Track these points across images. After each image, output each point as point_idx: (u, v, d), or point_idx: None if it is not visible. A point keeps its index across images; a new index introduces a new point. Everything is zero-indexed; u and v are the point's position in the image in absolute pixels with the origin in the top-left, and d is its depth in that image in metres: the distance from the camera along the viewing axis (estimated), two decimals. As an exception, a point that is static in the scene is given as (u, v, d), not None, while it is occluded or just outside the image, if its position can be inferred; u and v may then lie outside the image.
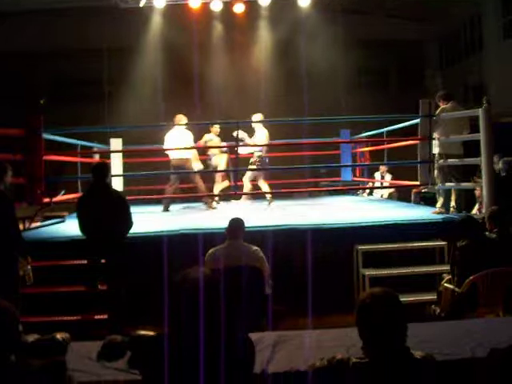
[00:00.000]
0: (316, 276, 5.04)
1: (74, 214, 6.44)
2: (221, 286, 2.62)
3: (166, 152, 9.71)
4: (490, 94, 14.14)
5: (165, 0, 13.24)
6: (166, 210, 9.72)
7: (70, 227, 7.32)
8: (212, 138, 10.41)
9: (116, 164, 10.14)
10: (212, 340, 2.40)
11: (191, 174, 9.63)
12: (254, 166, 9.91)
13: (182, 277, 2.55)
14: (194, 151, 9.74)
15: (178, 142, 9.46)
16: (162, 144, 9.99)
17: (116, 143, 10.59)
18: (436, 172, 8.07)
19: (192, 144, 9.63)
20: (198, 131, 10.34)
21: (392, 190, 12.24)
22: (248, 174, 10.13)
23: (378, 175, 12.49)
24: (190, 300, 2.47)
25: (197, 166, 9.79)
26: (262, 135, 9.84)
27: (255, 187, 10.28)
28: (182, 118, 9.67)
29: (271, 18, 14.67)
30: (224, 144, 10.34)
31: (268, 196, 10.18)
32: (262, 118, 9.99)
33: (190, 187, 10.15)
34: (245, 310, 4.33)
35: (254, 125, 9.92)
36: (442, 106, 8.06)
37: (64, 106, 15.91)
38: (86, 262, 5.98)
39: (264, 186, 10.06)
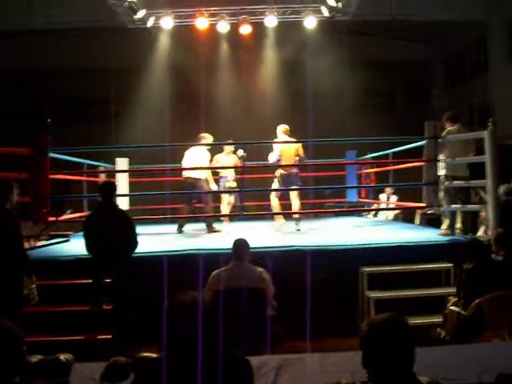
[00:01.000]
0: (320, 298, 5.02)
1: (79, 233, 6.45)
2: (215, 309, 2.62)
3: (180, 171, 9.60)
4: (495, 115, 14.15)
5: (172, 21, 13.35)
6: (181, 229, 9.54)
7: (74, 246, 7.33)
8: (222, 158, 10.25)
9: (122, 183, 10.17)
10: (209, 362, 2.39)
11: (202, 194, 9.44)
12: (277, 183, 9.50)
13: (171, 301, 2.56)
14: (208, 172, 9.55)
15: (193, 160, 9.38)
16: (168, 164, 10.01)
17: (122, 163, 10.62)
18: (442, 194, 8.05)
19: (207, 164, 9.46)
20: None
21: (397, 211, 12.21)
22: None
23: (383, 197, 12.47)
24: (179, 323, 2.47)
25: (212, 186, 9.64)
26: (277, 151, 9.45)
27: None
28: (204, 137, 9.56)
29: (277, 39, 14.76)
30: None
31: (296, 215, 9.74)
32: (284, 130, 9.63)
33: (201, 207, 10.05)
34: (245, 331, 4.31)
35: (279, 138, 9.55)
36: (448, 127, 8.06)
37: (71, 125, 16.05)
38: (90, 281, 5.97)
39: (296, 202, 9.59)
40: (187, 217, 9.61)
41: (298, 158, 9.45)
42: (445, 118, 8.16)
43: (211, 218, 9.58)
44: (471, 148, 7.99)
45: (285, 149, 9.37)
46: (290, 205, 9.57)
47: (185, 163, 9.53)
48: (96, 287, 5.90)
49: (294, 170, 9.44)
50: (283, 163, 9.27)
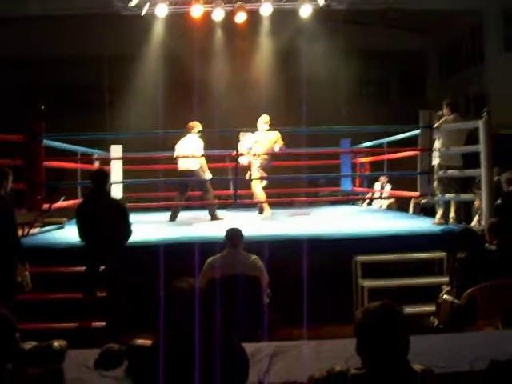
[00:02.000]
0: (314, 286, 5.02)
1: (73, 221, 6.43)
2: (211, 295, 2.63)
3: (174, 160, 9.50)
4: (490, 105, 14.17)
5: (167, 8, 13.26)
6: (174, 218, 9.51)
7: (68, 234, 7.32)
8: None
9: (116, 171, 10.14)
10: (206, 348, 2.39)
11: (202, 183, 9.38)
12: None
13: (168, 288, 2.56)
14: (203, 161, 9.43)
15: (186, 150, 9.30)
16: (162, 151, 9.98)
17: (116, 150, 10.58)
18: (436, 183, 8.07)
19: (201, 153, 9.33)
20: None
21: (391, 200, 12.23)
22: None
23: (377, 186, 12.48)
24: (177, 310, 2.48)
25: (206, 175, 9.50)
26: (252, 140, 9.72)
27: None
28: (196, 125, 9.47)
29: (272, 28, 14.68)
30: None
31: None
32: (268, 120, 9.76)
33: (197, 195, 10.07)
34: (241, 319, 4.32)
35: (259, 129, 9.72)
36: (446, 114, 8.03)
37: (65, 112, 15.96)
38: (84, 268, 5.96)
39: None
40: (179, 205, 9.58)
41: (277, 148, 9.64)
42: (445, 104, 8.11)
43: (214, 206, 9.56)
44: (464, 138, 8.00)
45: (261, 139, 9.58)
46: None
47: (178, 154, 9.42)
48: (89, 275, 5.89)
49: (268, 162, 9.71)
50: (260, 152, 9.46)
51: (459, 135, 7.93)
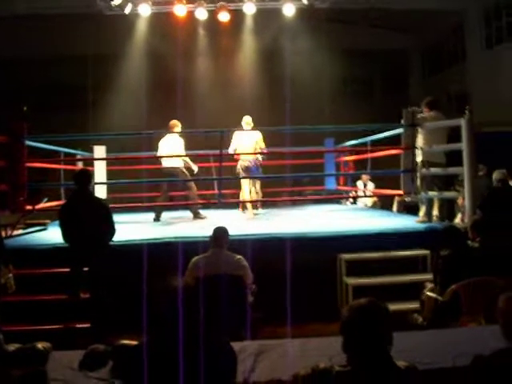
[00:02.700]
0: (298, 285, 5.03)
1: (57, 222, 6.39)
2: (195, 295, 2.63)
3: (158, 159, 9.59)
4: (472, 103, 14.27)
5: (150, 8, 13.23)
6: (158, 218, 9.54)
7: (52, 235, 7.27)
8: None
9: (99, 171, 10.10)
10: (191, 348, 2.39)
11: (180, 174, 9.41)
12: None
13: (153, 287, 2.56)
14: (186, 158, 9.51)
15: (169, 149, 9.38)
16: (146, 151, 9.96)
17: (100, 151, 10.53)
18: (419, 181, 8.11)
19: (183, 151, 9.44)
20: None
21: (375, 198, 12.29)
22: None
23: (360, 184, 12.54)
24: (161, 309, 2.48)
25: (194, 168, 9.62)
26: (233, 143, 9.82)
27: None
28: (176, 124, 9.57)
29: (256, 27, 14.69)
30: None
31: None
32: (249, 121, 9.93)
33: (181, 195, 10.12)
34: (225, 318, 4.32)
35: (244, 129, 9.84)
36: (425, 113, 8.11)
37: (48, 113, 15.85)
38: (68, 270, 5.93)
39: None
40: (163, 205, 9.63)
41: (257, 150, 9.76)
42: (424, 103, 8.22)
43: (196, 205, 9.61)
44: (446, 135, 8.06)
45: (241, 141, 9.67)
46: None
47: (160, 153, 9.51)
48: (73, 276, 5.87)
49: (251, 162, 9.78)
50: (241, 155, 9.63)
51: (441, 132, 7.99)
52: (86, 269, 5.85)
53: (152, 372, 2.38)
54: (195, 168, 9.65)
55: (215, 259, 5.29)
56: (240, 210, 10.55)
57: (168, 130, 9.57)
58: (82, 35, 14.94)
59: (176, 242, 6.63)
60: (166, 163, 9.38)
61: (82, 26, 14.49)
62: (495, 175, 7.28)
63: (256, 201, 10.35)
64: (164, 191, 9.62)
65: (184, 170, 9.44)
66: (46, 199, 9.07)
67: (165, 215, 9.79)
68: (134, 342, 2.76)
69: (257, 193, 10.48)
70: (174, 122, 9.62)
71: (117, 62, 15.22)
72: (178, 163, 9.34)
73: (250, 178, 9.86)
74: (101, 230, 5.83)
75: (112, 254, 5.93)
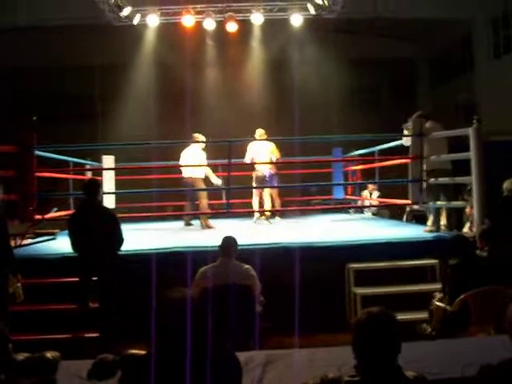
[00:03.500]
0: (307, 295, 5.03)
1: (66, 232, 6.42)
2: (203, 305, 2.63)
3: (180, 169, 9.96)
4: (480, 112, 14.26)
5: (158, 18, 13.32)
6: (188, 223, 10.19)
7: (61, 244, 7.29)
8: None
9: (108, 181, 10.14)
10: (198, 358, 2.39)
11: (196, 192, 9.69)
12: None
13: (160, 297, 2.56)
14: (208, 169, 9.84)
15: (190, 160, 9.69)
16: (154, 161, 10.05)
17: (108, 160, 10.58)
18: (425, 189, 8.09)
19: (204, 162, 9.72)
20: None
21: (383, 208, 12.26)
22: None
23: (366, 193, 12.52)
24: (168, 320, 2.48)
25: (215, 180, 9.92)
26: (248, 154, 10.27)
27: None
28: (197, 137, 9.89)
29: (264, 37, 14.75)
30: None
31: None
32: (261, 133, 10.26)
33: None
34: (233, 328, 4.32)
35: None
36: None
37: (57, 123, 15.93)
38: (77, 279, 5.95)
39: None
40: (191, 214, 10.10)
41: (272, 159, 10.19)
42: (417, 116, 8.22)
43: (205, 215, 9.88)
44: (446, 144, 8.07)
45: (256, 152, 10.10)
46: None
47: (182, 163, 9.86)
48: (82, 285, 5.88)
49: (267, 172, 10.25)
50: (256, 165, 10.10)
51: (441, 142, 8.02)
52: (94, 278, 5.87)
53: (160, 382, 2.38)
54: (216, 181, 9.93)
55: (223, 269, 5.29)
56: (262, 217, 10.64)
57: (189, 141, 9.94)
58: (91, 45, 15.05)
59: (185, 251, 6.63)
60: (187, 173, 9.69)
61: (91, 36, 14.59)
62: (506, 184, 7.25)
63: (265, 210, 10.41)
64: (190, 199, 9.95)
65: (200, 181, 9.75)
66: (55, 209, 9.12)
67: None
68: (143, 352, 2.76)
69: (274, 200, 10.69)
70: (197, 134, 9.94)
71: (125, 72, 15.29)
72: (198, 173, 9.66)
73: (257, 187, 10.04)
74: (109, 239, 5.84)
75: (121, 263, 5.95)
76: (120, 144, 11.77)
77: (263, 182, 10.19)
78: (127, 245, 6.14)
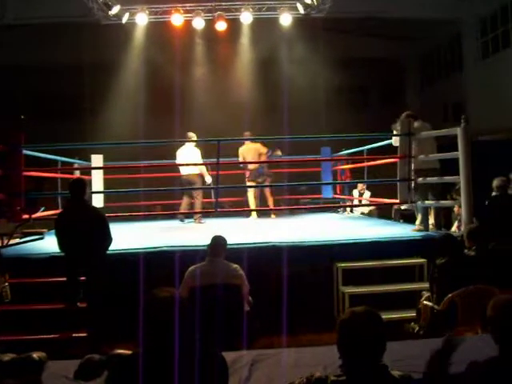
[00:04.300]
0: (295, 294, 5.04)
1: (53, 231, 6.39)
2: (191, 305, 2.62)
3: (178, 167, 10.26)
4: (468, 111, 14.34)
5: (147, 17, 13.30)
6: (182, 220, 10.57)
7: (48, 244, 7.26)
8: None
9: (97, 180, 10.11)
10: (185, 358, 2.39)
11: (195, 180, 10.15)
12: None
13: (148, 297, 2.56)
14: (203, 166, 10.16)
15: (187, 158, 10.05)
16: (143, 161, 10.06)
17: (97, 159, 10.55)
18: (413, 189, 8.11)
19: (200, 160, 10.09)
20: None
21: (372, 207, 12.30)
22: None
23: (355, 193, 12.55)
24: (156, 320, 2.48)
25: (207, 179, 10.19)
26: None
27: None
28: (192, 136, 10.20)
29: (253, 36, 14.75)
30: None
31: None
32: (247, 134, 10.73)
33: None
34: (221, 327, 4.32)
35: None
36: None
37: (45, 121, 15.87)
38: (64, 279, 5.92)
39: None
40: (183, 212, 10.52)
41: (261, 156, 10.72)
42: (404, 117, 8.22)
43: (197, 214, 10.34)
44: (435, 143, 8.11)
45: (244, 151, 10.76)
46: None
47: (179, 161, 10.18)
48: (70, 285, 5.85)
49: (257, 168, 10.78)
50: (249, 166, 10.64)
51: (430, 141, 8.05)
52: (82, 278, 5.84)
53: (146, 382, 2.38)
54: (208, 179, 10.18)
55: (212, 268, 5.28)
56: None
57: (183, 140, 10.35)
58: (79, 44, 14.98)
59: (173, 250, 6.61)
60: (184, 171, 10.09)
61: (79, 34, 14.51)
62: (495, 182, 7.30)
63: (254, 209, 10.57)
64: (188, 196, 10.37)
65: (198, 179, 10.19)
66: (42, 208, 9.07)
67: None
68: (129, 352, 2.76)
69: (267, 199, 11.07)
70: (191, 133, 10.26)
71: (114, 71, 15.23)
72: (195, 170, 10.07)
73: (247, 187, 10.21)
74: (97, 239, 5.81)
75: (109, 263, 5.92)
76: (108, 143, 11.72)
77: (257, 176, 10.73)
78: (116, 244, 6.12)
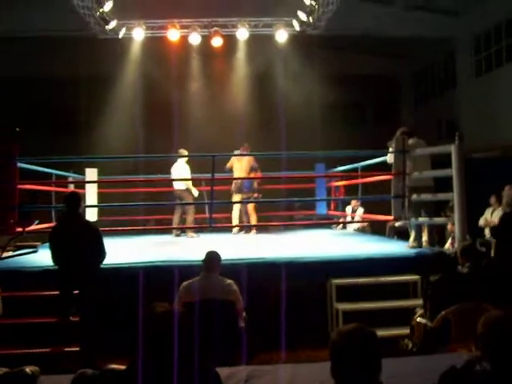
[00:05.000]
0: (290, 310, 5.03)
1: (47, 245, 6.36)
2: (185, 320, 2.62)
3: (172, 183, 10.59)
4: (462, 129, 14.41)
5: (144, 32, 13.37)
6: (177, 235, 10.73)
7: (42, 257, 7.23)
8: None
9: (91, 194, 10.10)
10: (180, 374, 2.39)
11: (186, 196, 10.32)
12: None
13: (146, 311, 2.55)
14: (189, 182, 10.41)
15: (178, 173, 10.38)
16: (138, 175, 10.10)
17: (91, 173, 10.55)
18: (407, 206, 8.12)
19: (189, 176, 10.38)
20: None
21: (365, 224, 12.30)
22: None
23: (349, 209, 12.55)
24: (154, 334, 2.47)
25: (195, 192, 10.47)
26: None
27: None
28: (182, 152, 10.52)
29: (249, 52, 14.83)
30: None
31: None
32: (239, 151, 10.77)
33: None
34: (217, 343, 4.30)
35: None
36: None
37: (40, 135, 15.85)
38: (57, 292, 5.89)
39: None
40: (176, 228, 10.68)
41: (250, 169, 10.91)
42: (401, 133, 8.25)
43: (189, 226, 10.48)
44: (429, 160, 8.13)
45: (235, 159, 10.88)
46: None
47: (172, 177, 10.54)
48: (63, 299, 5.82)
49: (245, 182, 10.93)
50: (235, 176, 10.72)
51: (425, 158, 8.07)
52: (76, 292, 5.81)
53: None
54: (195, 193, 10.43)
55: (207, 283, 5.27)
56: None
57: (175, 155, 10.72)
58: (76, 57, 15.02)
59: (168, 265, 6.60)
60: (176, 186, 10.39)
61: (76, 48, 14.56)
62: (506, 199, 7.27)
63: (246, 225, 10.62)
64: (179, 211, 10.56)
65: (187, 194, 10.34)
66: (36, 221, 9.04)
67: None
68: (123, 367, 2.75)
69: (250, 215, 11.06)
70: (182, 150, 10.59)
71: (110, 85, 15.26)
72: (182, 186, 10.33)
73: (240, 202, 10.23)
74: (91, 252, 5.80)
75: (102, 277, 5.90)
76: (103, 157, 11.73)
77: (241, 190, 10.92)
78: (110, 258, 6.10)
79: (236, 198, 10.90)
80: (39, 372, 3.36)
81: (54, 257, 5.89)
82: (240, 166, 10.75)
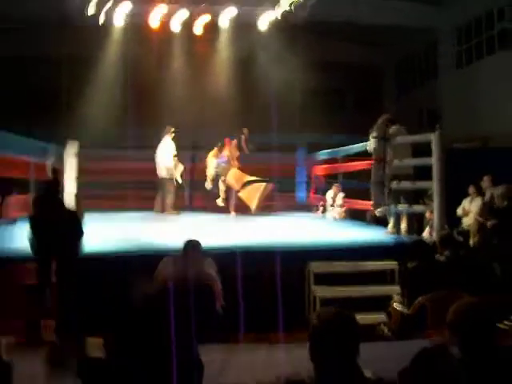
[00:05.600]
0: (267, 295, 5.03)
1: (26, 219, 6.25)
2: (161, 301, 2.61)
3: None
4: (443, 119, 14.52)
5: (123, 19, 13.17)
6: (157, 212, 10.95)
7: (20, 233, 7.07)
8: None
9: (70, 168, 10.03)
10: (160, 355, 2.38)
11: (167, 183, 10.65)
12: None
13: (135, 292, 2.54)
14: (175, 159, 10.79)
15: (162, 154, 10.70)
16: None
17: (72, 146, 10.44)
18: (386, 193, 8.15)
19: (174, 152, 10.69)
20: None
21: (343, 213, 12.28)
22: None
23: (329, 194, 12.52)
24: (130, 318, 2.46)
25: (179, 168, 10.86)
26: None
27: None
28: (170, 129, 10.85)
29: (232, 39, 14.72)
30: None
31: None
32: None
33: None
34: (194, 326, 4.29)
35: None
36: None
37: (23, 116, 15.58)
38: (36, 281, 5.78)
39: None
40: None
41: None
42: (382, 121, 8.26)
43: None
44: (410, 148, 8.16)
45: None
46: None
47: (158, 156, 10.85)
48: (41, 287, 5.74)
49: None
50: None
51: (405, 145, 8.10)
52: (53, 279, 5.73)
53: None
54: (180, 180, 10.86)
55: (184, 262, 5.26)
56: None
57: (165, 133, 10.94)
58: (57, 39, 14.79)
59: (147, 254, 6.46)
60: (158, 172, 10.79)
61: (57, 29, 14.30)
62: (502, 190, 7.25)
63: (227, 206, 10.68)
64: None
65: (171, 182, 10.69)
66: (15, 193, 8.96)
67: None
68: (100, 356, 2.70)
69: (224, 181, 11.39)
70: (169, 127, 10.94)
71: (91, 66, 15.02)
72: (165, 173, 10.67)
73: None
74: (69, 238, 5.71)
75: (79, 264, 5.80)
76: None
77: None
78: (89, 241, 6.01)
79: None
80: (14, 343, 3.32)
81: (33, 244, 5.75)
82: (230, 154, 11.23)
